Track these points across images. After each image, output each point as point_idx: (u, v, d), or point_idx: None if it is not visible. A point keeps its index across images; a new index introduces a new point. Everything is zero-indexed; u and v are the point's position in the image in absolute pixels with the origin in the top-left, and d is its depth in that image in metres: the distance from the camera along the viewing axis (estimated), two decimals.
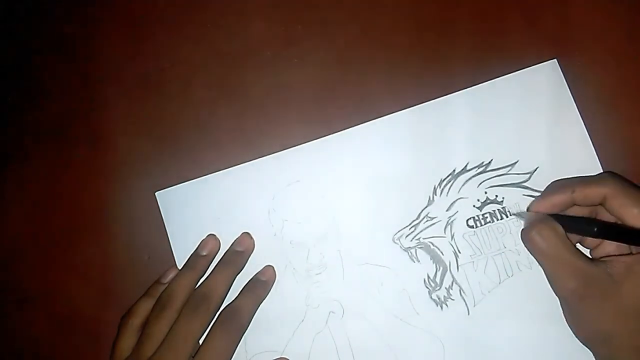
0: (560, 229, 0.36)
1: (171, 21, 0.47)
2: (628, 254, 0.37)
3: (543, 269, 0.37)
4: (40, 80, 0.47)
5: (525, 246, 0.38)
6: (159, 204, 0.44)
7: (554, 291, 0.37)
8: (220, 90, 0.46)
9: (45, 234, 0.45)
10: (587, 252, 0.40)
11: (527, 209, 0.41)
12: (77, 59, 0.47)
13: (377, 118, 0.44)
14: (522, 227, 0.40)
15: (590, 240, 0.39)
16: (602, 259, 0.36)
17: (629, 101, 0.44)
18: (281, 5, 0.46)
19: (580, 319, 0.37)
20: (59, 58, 0.48)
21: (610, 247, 0.38)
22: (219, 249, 0.43)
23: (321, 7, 0.46)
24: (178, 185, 0.44)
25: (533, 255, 0.38)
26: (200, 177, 0.44)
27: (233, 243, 0.43)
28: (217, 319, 0.40)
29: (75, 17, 0.48)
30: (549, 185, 0.41)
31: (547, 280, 0.37)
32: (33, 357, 0.45)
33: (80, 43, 0.48)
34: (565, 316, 0.38)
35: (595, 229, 0.35)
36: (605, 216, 0.38)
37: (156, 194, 0.44)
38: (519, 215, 0.41)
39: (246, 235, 0.43)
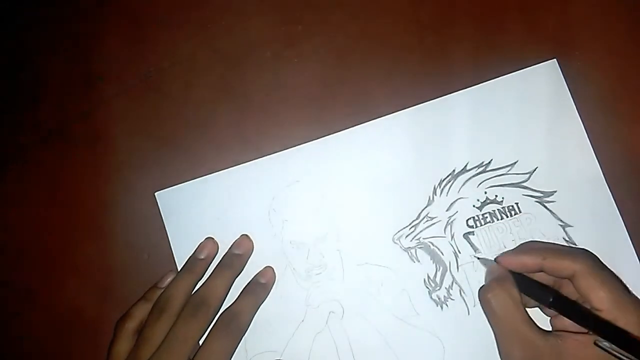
0: (516, 295, 0.36)
1: (171, 21, 0.47)
2: (584, 333, 0.35)
3: (493, 332, 0.37)
4: (40, 80, 0.47)
5: (481, 305, 0.37)
6: (158, 204, 0.44)
7: (500, 356, 0.36)
8: (220, 90, 0.46)
9: (45, 234, 0.45)
10: (547, 320, 0.39)
11: (495, 259, 0.39)
12: (77, 59, 0.47)
13: (376, 118, 0.44)
14: (484, 275, 0.40)
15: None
16: (557, 332, 0.35)
17: (628, 101, 0.44)
18: (281, 5, 0.46)
19: None
20: (59, 58, 0.48)
21: (568, 320, 0.36)
22: (217, 252, 0.43)
23: (321, 7, 0.46)
24: (178, 185, 0.44)
25: (486, 316, 0.37)
26: (200, 177, 0.44)
27: (232, 245, 0.43)
28: (216, 322, 0.40)
29: (75, 17, 0.48)
30: (523, 244, 0.41)
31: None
32: (33, 357, 0.45)
33: (80, 43, 0.48)
34: None
35: (551, 299, 0.34)
36: (570, 289, 0.36)
37: (156, 194, 0.44)
38: (483, 261, 0.41)
39: (245, 237, 0.43)
